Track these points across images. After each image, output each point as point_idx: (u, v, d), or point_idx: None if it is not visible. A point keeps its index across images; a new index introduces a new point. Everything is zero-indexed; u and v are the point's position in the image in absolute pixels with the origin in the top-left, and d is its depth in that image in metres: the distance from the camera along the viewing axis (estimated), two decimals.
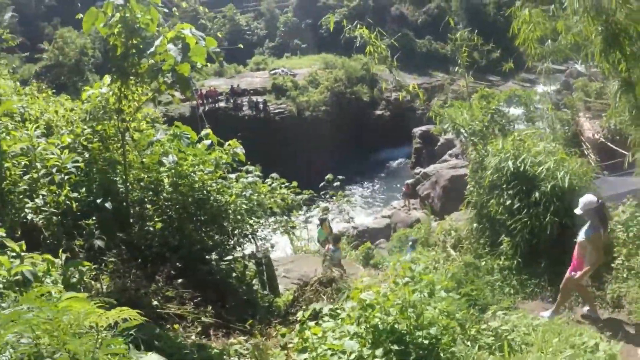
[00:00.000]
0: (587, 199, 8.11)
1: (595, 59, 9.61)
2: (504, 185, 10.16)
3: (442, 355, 4.86)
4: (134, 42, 6.99)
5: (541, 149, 10.33)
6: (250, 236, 9.30)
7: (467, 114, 11.58)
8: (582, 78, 33.74)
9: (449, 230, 12.80)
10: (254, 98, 50.16)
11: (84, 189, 7.29)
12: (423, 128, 41.87)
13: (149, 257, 7.37)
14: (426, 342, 4.85)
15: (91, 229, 6.68)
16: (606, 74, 10.12)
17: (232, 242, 8.80)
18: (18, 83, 12.07)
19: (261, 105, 49.26)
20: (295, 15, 74.86)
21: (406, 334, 4.86)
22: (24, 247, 4.98)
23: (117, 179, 7.75)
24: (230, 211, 8.33)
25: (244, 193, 8.70)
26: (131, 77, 7.38)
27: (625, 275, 8.74)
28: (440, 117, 11.71)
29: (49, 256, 5.19)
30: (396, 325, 4.88)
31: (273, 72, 56.96)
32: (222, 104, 50.20)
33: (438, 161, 36.69)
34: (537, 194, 9.62)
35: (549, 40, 10.53)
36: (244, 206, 8.54)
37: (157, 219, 7.64)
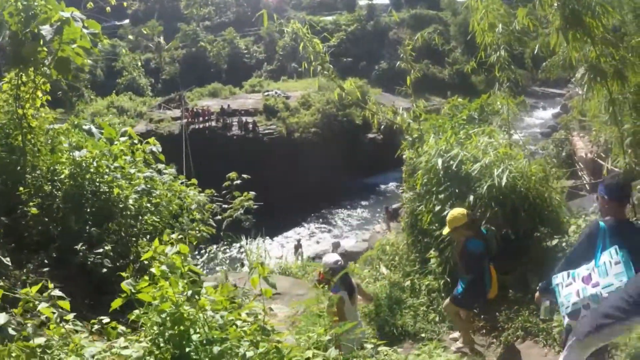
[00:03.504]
0: (326, 258, 7.35)
1: (551, 40, 8.69)
2: (434, 189, 8.84)
3: None
4: (32, 30, 6.82)
5: (482, 144, 8.94)
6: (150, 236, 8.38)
7: (409, 116, 10.57)
8: (579, 96, 32.57)
9: (385, 245, 11.47)
10: (243, 118, 49.92)
11: None
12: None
13: (31, 245, 6.98)
14: None
15: None
16: (571, 59, 9.06)
17: (121, 238, 7.92)
18: None
19: (250, 126, 49.00)
20: (294, 39, 74.62)
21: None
22: None
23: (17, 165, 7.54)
24: (121, 206, 7.78)
25: (136, 188, 8.10)
26: (29, 64, 7.21)
27: None
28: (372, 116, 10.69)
29: None
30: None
31: (266, 93, 56.85)
32: (212, 123, 50.01)
33: None
34: (471, 198, 8.19)
35: (500, 25, 9.45)
36: (131, 201, 7.93)
37: (32, 205, 7.09)
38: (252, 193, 10.71)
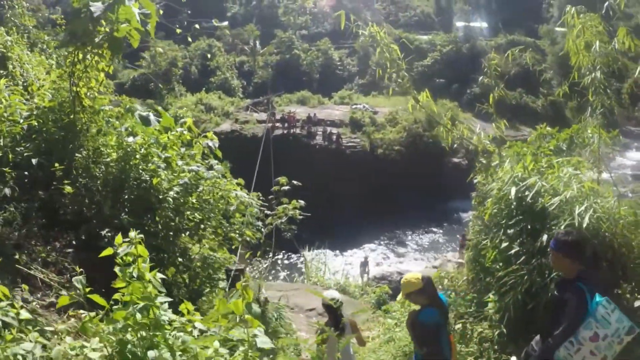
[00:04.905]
0: (326, 294, 7.85)
1: None
2: (503, 222, 7.67)
3: None
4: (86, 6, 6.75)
5: (566, 175, 7.68)
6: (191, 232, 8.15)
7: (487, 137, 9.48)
8: None
9: (443, 278, 10.34)
10: (328, 129, 49.66)
11: (29, 144, 7.19)
12: None
13: (64, 223, 6.84)
14: None
15: (5, 177, 6.44)
16: None
17: (159, 231, 7.57)
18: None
19: (334, 137, 48.70)
20: (372, 45, 73.71)
21: None
22: None
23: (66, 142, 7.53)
24: (160, 197, 7.45)
25: (180, 181, 7.69)
26: (85, 43, 7.10)
27: None
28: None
29: None
30: None
31: (354, 106, 56.35)
32: (297, 130, 50.12)
33: None
34: (544, 238, 6.93)
35: (597, 43, 8.26)
36: (172, 194, 7.56)
37: (68, 183, 6.84)
38: (301, 202, 10.07)
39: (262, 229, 9.62)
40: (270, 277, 22.60)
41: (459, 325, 8.30)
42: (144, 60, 63.83)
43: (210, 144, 8.64)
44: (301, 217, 9.88)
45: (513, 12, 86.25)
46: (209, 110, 55.01)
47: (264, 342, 3.73)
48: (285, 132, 49.32)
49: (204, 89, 61.76)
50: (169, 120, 8.26)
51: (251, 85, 74.33)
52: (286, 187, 9.79)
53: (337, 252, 38.57)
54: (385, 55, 9.92)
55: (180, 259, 7.65)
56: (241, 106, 58.32)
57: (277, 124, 49.97)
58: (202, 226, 8.13)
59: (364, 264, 29.81)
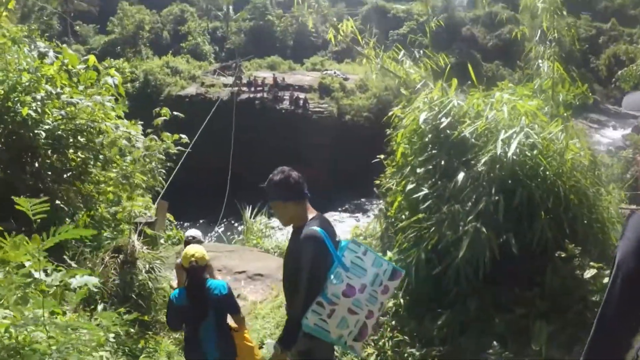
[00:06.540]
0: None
1: None
2: (412, 159, 6.05)
3: None
4: None
5: (496, 99, 6.00)
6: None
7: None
8: None
9: (359, 236, 8.58)
10: (295, 93, 47.96)
11: None
12: None
13: None
14: None
15: None
16: None
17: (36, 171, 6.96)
18: None
19: (301, 102, 46.97)
20: (363, 23, 72.27)
21: None
22: None
23: None
24: (36, 131, 6.71)
25: (60, 112, 6.99)
26: None
27: None
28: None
29: None
30: None
31: (325, 72, 54.54)
32: (264, 95, 48.32)
33: None
34: (460, 177, 5.35)
35: None
36: (47, 127, 6.81)
37: None
38: (183, 136, 8.65)
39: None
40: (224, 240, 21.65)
41: None
42: (112, 24, 62.64)
43: (110, 80, 7.98)
44: (177, 150, 8.58)
45: None
46: (175, 73, 52.93)
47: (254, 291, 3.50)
48: (251, 96, 47.52)
49: (170, 52, 59.59)
50: (69, 56, 7.49)
51: (223, 51, 72.53)
52: (165, 118, 8.34)
53: None
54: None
55: (59, 203, 6.82)
56: (209, 70, 56.36)
57: (244, 88, 48.17)
58: (86, 167, 7.36)
59: None
